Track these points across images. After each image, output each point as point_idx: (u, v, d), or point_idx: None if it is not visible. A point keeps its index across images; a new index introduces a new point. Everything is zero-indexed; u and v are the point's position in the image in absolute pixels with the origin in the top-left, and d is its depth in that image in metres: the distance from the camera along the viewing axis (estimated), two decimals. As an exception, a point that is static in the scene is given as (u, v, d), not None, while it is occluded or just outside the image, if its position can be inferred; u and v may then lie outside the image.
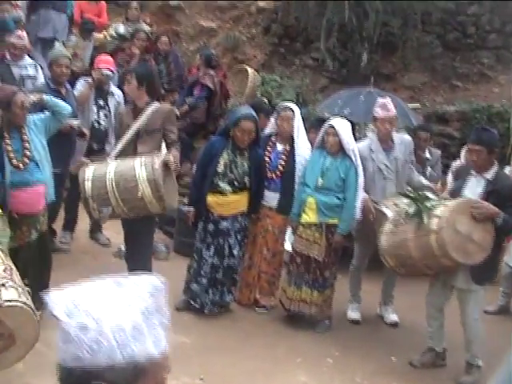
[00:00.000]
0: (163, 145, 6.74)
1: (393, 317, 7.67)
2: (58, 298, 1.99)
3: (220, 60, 11.64)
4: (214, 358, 6.26)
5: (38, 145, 6.29)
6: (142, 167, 6.22)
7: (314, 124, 8.33)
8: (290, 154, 7.47)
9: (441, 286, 6.51)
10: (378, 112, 7.35)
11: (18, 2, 10.27)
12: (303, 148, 7.51)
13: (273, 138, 7.60)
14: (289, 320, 7.40)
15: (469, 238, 5.98)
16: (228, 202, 7.13)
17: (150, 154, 6.40)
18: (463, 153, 8.64)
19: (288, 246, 7.65)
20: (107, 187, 6.30)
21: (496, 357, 5.56)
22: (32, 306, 4.51)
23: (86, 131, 8.15)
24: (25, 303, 4.41)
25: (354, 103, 9.54)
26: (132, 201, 6.28)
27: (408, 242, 6.28)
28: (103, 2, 11.33)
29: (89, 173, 6.43)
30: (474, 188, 6.30)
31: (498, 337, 6.55)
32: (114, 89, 8.79)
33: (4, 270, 4.51)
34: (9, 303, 4.33)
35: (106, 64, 8.66)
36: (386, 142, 7.39)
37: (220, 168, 7.08)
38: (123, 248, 7.65)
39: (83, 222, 8.29)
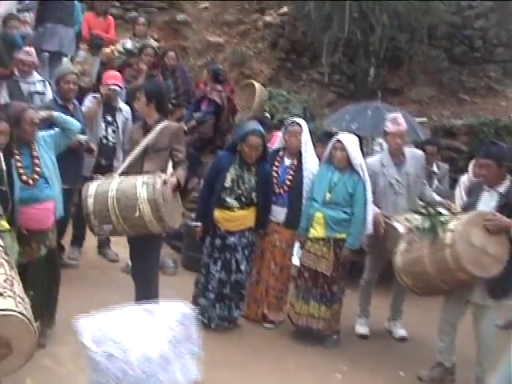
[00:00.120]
0: (170, 164, 6.67)
1: (401, 332, 7.64)
2: (86, 326, 1.99)
3: (227, 75, 11.65)
4: (222, 372, 6.24)
5: (47, 161, 6.30)
6: (143, 186, 6.18)
7: (321, 138, 8.33)
8: (298, 169, 7.48)
9: (455, 301, 6.46)
10: (389, 126, 7.35)
11: (27, 17, 10.31)
12: (311, 163, 7.51)
13: (280, 153, 7.61)
14: (297, 335, 7.39)
15: (483, 250, 5.94)
16: (235, 218, 7.13)
17: (154, 173, 6.35)
18: (471, 166, 8.63)
19: (296, 261, 7.64)
20: (108, 204, 6.28)
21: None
22: (30, 316, 4.49)
23: (94, 147, 8.18)
24: (21, 313, 4.39)
25: (362, 118, 9.53)
26: (132, 219, 6.24)
27: (423, 259, 6.24)
28: (111, 17, 11.37)
29: (92, 189, 6.42)
30: (487, 202, 6.27)
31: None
32: (122, 105, 8.81)
33: (4, 281, 4.51)
34: (3, 312, 4.32)
35: (114, 80, 8.69)
36: (398, 157, 7.38)
37: (227, 183, 7.08)
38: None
39: (91, 238, 8.28)
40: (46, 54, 9.99)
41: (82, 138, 7.44)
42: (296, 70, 13.05)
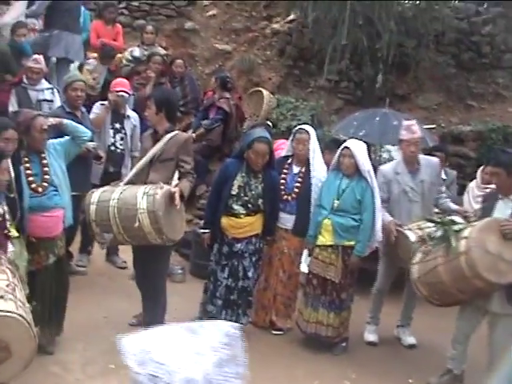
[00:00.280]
0: (176, 175, 6.59)
1: (410, 339, 7.62)
2: (130, 346, 1.98)
3: (235, 82, 11.66)
4: (231, 380, 6.23)
5: (57, 169, 6.33)
6: (143, 197, 6.13)
7: (329, 145, 8.33)
8: (306, 176, 7.48)
9: (472, 311, 6.41)
10: (403, 134, 7.33)
11: (36, 24, 10.34)
12: (319, 170, 7.51)
13: (289, 161, 7.61)
14: (306, 342, 7.38)
15: (499, 256, 5.89)
16: (242, 225, 7.11)
17: (156, 184, 6.31)
18: (479, 173, 8.62)
19: (304, 268, 7.63)
20: (109, 213, 6.27)
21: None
22: (30, 320, 4.48)
23: (102, 154, 8.21)
24: (21, 315, 4.39)
25: (370, 124, 9.51)
26: (132, 229, 6.20)
27: (438, 268, 6.20)
28: (119, 25, 11.41)
29: (95, 196, 6.42)
30: (502, 211, 6.24)
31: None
32: (130, 112, 8.84)
33: (7, 285, 4.52)
34: (3, 313, 4.32)
35: (122, 86, 8.71)
36: (412, 165, 7.36)
37: (234, 190, 7.07)
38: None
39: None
40: (54, 59, 10.00)
41: (90, 144, 7.46)
42: (304, 77, 13.05)
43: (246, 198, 7.07)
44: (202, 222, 8.11)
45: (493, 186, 7.97)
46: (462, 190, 8.85)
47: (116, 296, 7.76)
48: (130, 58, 10.87)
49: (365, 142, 7.58)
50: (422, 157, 7.48)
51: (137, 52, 10.90)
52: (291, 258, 7.53)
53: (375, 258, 7.56)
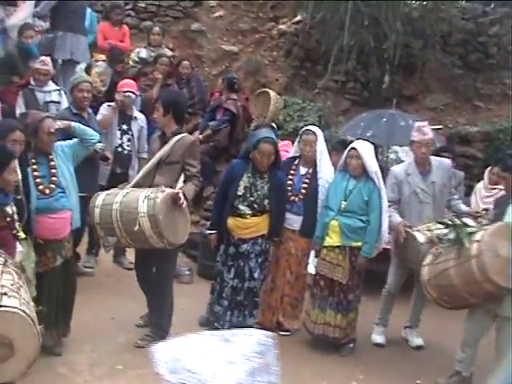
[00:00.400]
0: (182, 178, 6.56)
1: (418, 340, 7.61)
2: (161, 354, 1.97)
3: (242, 83, 11.67)
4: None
5: (65, 171, 6.34)
6: (144, 200, 6.12)
7: (336, 147, 8.32)
8: (313, 177, 7.47)
9: (482, 314, 6.38)
10: (414, 135, 7.30)
11: (43, 26, 10.36)
12: (326, 171, 7.49)
13: (296, 162, 7.60)
14: (313, 343, 7.38)
15: (511, 261, 5.87)
16: (248, 225, 7.11)
17: (158, 188, 6.29)
18: (486, 174, 8.60)
19: (311, 269, 7.63)
20: (112, 217, 6.28)
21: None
22: (34, 317, 4.47)
23: (109, 155, 8.22)
24: (24, 312, 4.38)
25: (377, 125, 9.51)
26: (134, 233, 6.20)
27: (449, 271, 6.17)
28: (126, 27, 11.42)
29: (99, 200, 6.44)
30: None
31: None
32: (137, 113, 8.85)
33: (12, 285, 4.52)
34: (6, 308, 4.32)
35: (128, 87, 8.73)
36: (423, 166, 7.33)
37: (240, 191, 7.07)
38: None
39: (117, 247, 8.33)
40: (59, 61, 10.02)
41: (98, 145, 7.46)
42: (311, 78, 13.04)
43: (252, 199, 7.07)
44: (208, 223, 8.11)
45: (500, 186, 7.99)
46: (469, 190, 8.83)
47: (123, 297, 7.77)
48: (137, 59, 10.88)
49: (372, 142, 7.57)
50: (433, 158, 7.45)
51: (143, 53, 10.91)
52: (298, 258, 7.53)
53: (382, 259, 7.54)
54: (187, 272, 8.91)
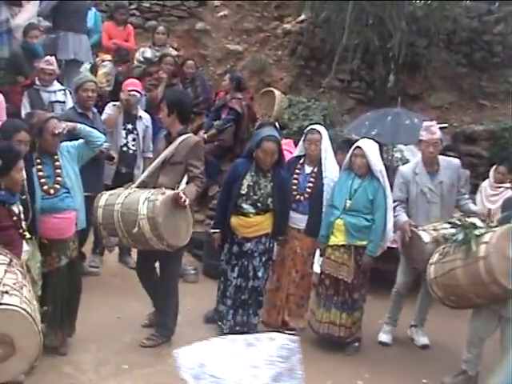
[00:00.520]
0: (185, 179, 6.54)
1: (423, 340, 7.61)
2: (185, 360, 1.96)
3: (247, 83, 11.67)
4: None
5: (70, 172, 6.34)
6: (144, 202, 6.10)
7: (341, 146, 8.32)
8: (318, 176, 7.46)
9: (488, 314, 6.37)
10: (422, 134, 7.27)
11: (48, 25, 10.38)
12: (331, 170, 7.49)
13: (301, 161, 7.60)
14: (318, 342, 7.37)
15: None
16: (251, 224, 7.12)
17: (159, 189, 6.28)
18: (492, 172, 8.59)
19: (317, 268, 7.63)
20: (114, 217, 6.28)
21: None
22: (35, 316, 4.46)
23: (115, 154, 8.22)
24: (25, 310, 4.37)
25: (382, 124, 9.49)
26: (134, 234, 6.19)
27: (456, 271, 6.15)
28: (131, 26, 11.42)
29: (102, 200, 6.44)
30: None
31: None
32: (142, 113, 8.86)
33: (14, 283, 4.52)
34: (6, 306, 4.31)
35: (133, 86, 8.73)
36: (431, 166, 7.32)
37: (243, 190, 7.08)
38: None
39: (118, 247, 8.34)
40: (63, 61, 10.04)
41: (103, 145, 7.47)
42: (315, 77, 13.03)
43: (256, 197, 7.08)
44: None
45: (506, 185, 7.99)
46: (474, 189, 8.82)
47: (129, 296, 7.78)
48: (142, 59, 10.88)
49: (377, 141, 7.56)
50: (442, 158, 7.42)
51: (148, 53, 10.90)
52: (304, 258, 7.52)
53: (388, 257, 7.53)
54: (192, 271, 8.91)
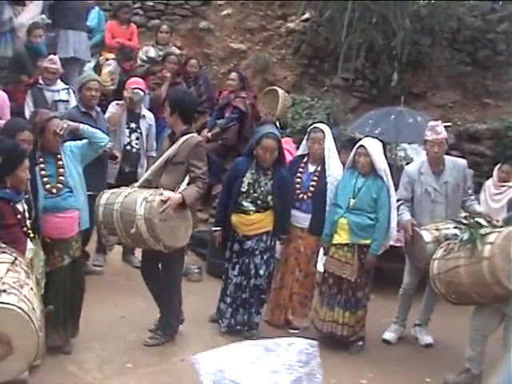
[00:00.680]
0: (186, 179, 6.48)
1: (427, 339, 7.59)
2: (205, 366, 1.96)
3: (250, 82, 11.66)
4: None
5: (73, 171, 6.34)
6: (142, 203, 6.10)
7: (344, 145, 8.32)
8: (322, 175, 7.46)
9: (491, 312, 6.37)
10: (427, 134, 7.26)
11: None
12: (335, 168, 7.49)
13: (304, 159, 7.60)
14: (322, 341, 7.33)
15: None
16: (251, 221, 7.14)
17: (157, 190, 6.27)
18: (495, 171, 8.59)
19: (320, 267, 7.63)
20: (113, 217, 6.28)
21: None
22: (32, 315, 4.41)
23: (118, 154, 8.21)
24: (21, 309, 4.33)
25: (385, 123, 9.48)
26: (132, 234, 6.19)
27: (459, 269, 6.14)
28: (134, 25, 11.42)
29: (103, 199, 6.45)
30: None
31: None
32: (145, 111, 8.86)
33: (14, 282, 4.49)
34: (3, 305, 4.29)
35: (136, 84, 8.73)
36: (437, 165, 7.30)
37: (244, 187, 7.11)
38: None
39: (118, 245, 8.34)
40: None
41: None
42: (319, 76, 13.02)
43: (256, 195, 7.09)
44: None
45: (510, 184, 7.98)
46: (478, 188, 8.82)
47: (133, 295, 7.78)
48: (145, 58, 10.87)
49: (380, 140, 7.55)
50: (448, 158, 7.40)
51: (152, 53, 10.89)
52: (307, 257, 7.53)
53: (391, 256, 7.53)
54: (196, 270, 8.91)
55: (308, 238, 7.49)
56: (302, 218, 7.45)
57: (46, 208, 6.08)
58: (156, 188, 6.39)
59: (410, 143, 10.34)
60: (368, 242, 7.03)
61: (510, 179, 8.59)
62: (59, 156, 6.29)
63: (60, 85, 8.77)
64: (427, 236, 6.86)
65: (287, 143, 8.72)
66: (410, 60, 12.33)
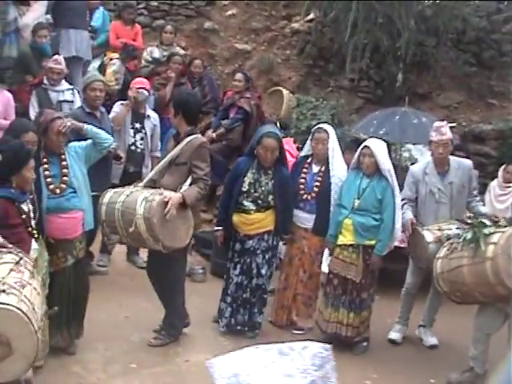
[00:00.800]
0: (189, 180, 6.48)
1: (432, 340, 7.58)
2: (220, 369, 1.96)
3: (255, 82, 11.66)
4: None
5: (77, 172, 6.34)
6: (142, 202, 6.10)
7: (349, 145, 8.31)
8: (326, 176, 7.45)
9: (494, 311, 6.38)
10: (432, 135, 7.24)
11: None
12: (339, 169, 7.48)
13: (308, 160, 7.60)
14: (326, 342, 7.34)
15: None
16: (252, 221, 7.15)
17: (157, 190, 6.28)
18: (500, 172, 8.57)
19: (325, 268, 7.62)
20: (115, 216, 6.29)
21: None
22: (32, 317, 4.38)
23: (122, 154, 8.21)
24: (20, 309, 4.30)
25: (390, 123, 9.48)
26: (133, 233, 6.19)
27: (463, 269, 6.13)
28: (138, 26, 11.42)
29: (106, 198, 6.46)
30: None
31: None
32: (150, 112, 8.86)
33: (15, 282, 4.48)
34: (1, 305, 4.28)
35: (141, 84, 8.74)
36: (442, 166, 7.27)
37: (245, 187, 7.12)
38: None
39: (120, 245, 8.33)
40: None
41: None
42: (324, 77, 13.02)
43: (256, 194, 7.11)
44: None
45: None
46: (483, 189, 8.80)
47: (137, 296, 7.78)
48: (150, 59, 10.87)
49: (385, 140, 7.54)
50: (453, 159, 7.37)
51: (156, 53, 10.88)
52: (312, 257, 7.52)
53: (396, 257, 7.52)
54: (200, 271, 8.91)
55: (312, 239, 7.48)
56: (305, 219, 7.45)
57: (49, 208, 6.09)
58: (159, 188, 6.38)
59: (414, 144, 10.33)
60: (373, 242, 7.02)
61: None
62: (63, 156, 6.29)
63: (65, 85, 8.77)
64: (429, 236, 6.85)
65: (288, 144, 8.71)
66: (414, 60, 12.33)
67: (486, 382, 6.50)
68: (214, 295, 7.55)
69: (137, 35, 11.17)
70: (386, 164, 7.10)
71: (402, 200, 7.23)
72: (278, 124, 9.91)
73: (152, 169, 7.28)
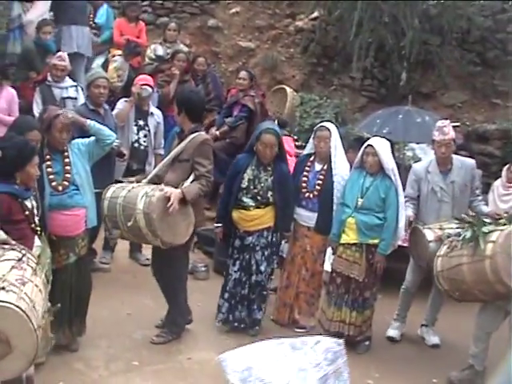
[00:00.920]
0: (191, 177, 6.48)
1: (434, 339, 7.58)
2: (232, 363, 1.96)
3: (259, 80, 11.65)
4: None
5: (80, 169, 6.34)
6: (142, 198, 6.11)
7: (352, 144, 8.31)
8: (328, 174, 7.45)
9: (495, 309, 6.39)
10: (435, 135, 7.24)
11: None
12: (341, 167, 7.47)
13: (311, 158, 7.59)
14: (328, 340, 7.35)
15: None
16: (251, 217, 7.14)
17: (158, 186, 6.29)
18: (504, 172, 8.54)
19: (328, 267, 7.61)
20: (116, 211, 6.30)
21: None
22: (31, 314, 4.37)
23: (125, 151, 8.20)
24: (19, 307, 4.28)
25: (393, 122, 9.48)
26: (133, 229, 6.20)
27: (462, 267, 6.13)
28: (142, 23, 11.42)
29: (109, 192, 6.47)
30: None
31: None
32: (153, 109, 8.85)
33: (16, 280, 4.47)
34: (0, 303, 4.27)
35: (145, 81, 8.73)
36: (444, 165, 7.27)
37: (244, 183, 7.12)
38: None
39: (123, 242, 8.33)
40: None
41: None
42: (328, 75, 13.02)
43: (256, 191, 7.10)
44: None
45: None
46: (486, 188, 8.78)
47: (139, 293, 7.78)
48: (153, 56, 10.87)
49: (388, 139, 7.53)
50: (456, 158, 7.37)
51: (160, 51, 10.89)
52: (314, 256, 7.52)
53: (399, 256, 7.51)
54: (203, 268, 8.90)
55: (314, 237, 7.48)
56: (308, 217, 7.45)
57: (51, 205, 6.09)
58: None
59: (418, 143, 10.31)
60: (376, 241, 7.01)
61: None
62: (66, 153, 6.29)
63: (68, 82, 8.78)
64: (430, 235, 6.86)
65: (286, 142, 8.70)
66: (419, 60, 12.33)
67: (485, 379, 6.53)
68: (217, 293, 7.55)
69: (141, 32, 11.17)
70: (389, 163, 7.09)
71: (404, 198, 7.23)
72: (277, 122, 9.89)
73: (155, 166, 7.27)
